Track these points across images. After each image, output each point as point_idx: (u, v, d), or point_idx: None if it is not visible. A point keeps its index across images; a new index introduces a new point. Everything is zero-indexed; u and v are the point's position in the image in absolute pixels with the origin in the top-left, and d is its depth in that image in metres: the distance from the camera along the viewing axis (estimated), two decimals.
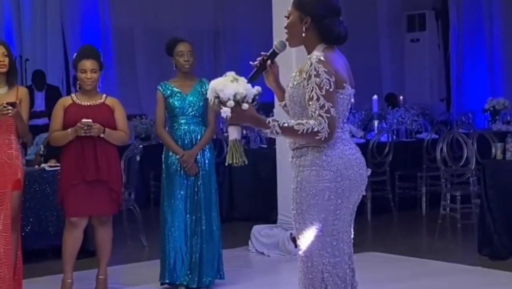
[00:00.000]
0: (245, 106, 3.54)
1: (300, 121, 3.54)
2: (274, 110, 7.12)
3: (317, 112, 3.51)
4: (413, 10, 15.41)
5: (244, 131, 3.72)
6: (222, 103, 3.53)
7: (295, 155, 3.70)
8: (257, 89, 3.62)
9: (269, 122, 3.55)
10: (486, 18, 14.60)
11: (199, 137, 6.25)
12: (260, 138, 9.88)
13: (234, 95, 3.52)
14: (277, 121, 3.55)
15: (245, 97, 3.54)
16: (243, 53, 15.05)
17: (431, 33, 15.32)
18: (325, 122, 3.50)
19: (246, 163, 3.67)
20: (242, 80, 3.58)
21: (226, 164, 3.73)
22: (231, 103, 3.52)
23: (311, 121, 3.51)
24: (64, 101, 6.12)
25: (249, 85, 3.59)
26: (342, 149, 3.64)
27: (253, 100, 3.59)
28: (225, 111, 3.54)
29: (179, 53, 6.29)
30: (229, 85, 3.54)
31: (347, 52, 3.79)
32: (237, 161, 3.65)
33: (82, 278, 6.36)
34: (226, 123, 3.69)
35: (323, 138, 3.51)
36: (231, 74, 3.60)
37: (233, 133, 3.66)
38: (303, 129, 3.51)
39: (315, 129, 3.50)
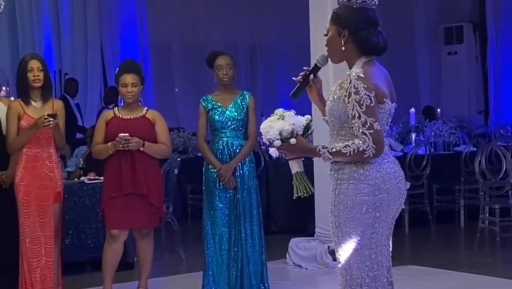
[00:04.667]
0: (292, 141, 3.64)
1: (347, 143, 3.57)
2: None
3: (360, 130, 3.54)
4: (451, 23, 15.34)
5: (278, 154, 3.78)
6: (271, 143, 3.64)
7: (334, 168, 3.71)
8: (306, 118, 3.73)
9: (319, 150, 3.62)
10: None
11: (238, 150, 6.26)
12: None
13: (280, 134, 3.61)
14: (326, 148, 3.61)
15: (292, 132, 3.62)
16: (280, 67, 15.11)
17: (468, 45, 15.24)
18: (369, 139, 3.52)
19: (313, 192, 3.78)
20: (289, 114, 3.67)
21: (294, 198, 3.82)
22: (277, 142, 3.63)
23: (356, 141, 3.55)
24: (107, 115, 6.22)
25: (297, 117, 3.68)
26: (380, 163, 3.65)
27: (307, 129, 3.70)
28: (273, 152, 3.70)
29: (218, 67, 6.30)
30: (275, 125, 3.64)
31: (384, 65, 3.80)
32: (302, 193, 3.77)
33: None
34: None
35: (371, 155, 3.55)
36: (278, 112, 3.69)
37: (294, 167, 3.78)
38: (350, 151, 3.55)
39: (361, 148, 3.54)
